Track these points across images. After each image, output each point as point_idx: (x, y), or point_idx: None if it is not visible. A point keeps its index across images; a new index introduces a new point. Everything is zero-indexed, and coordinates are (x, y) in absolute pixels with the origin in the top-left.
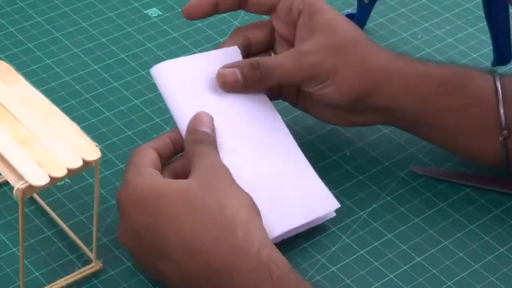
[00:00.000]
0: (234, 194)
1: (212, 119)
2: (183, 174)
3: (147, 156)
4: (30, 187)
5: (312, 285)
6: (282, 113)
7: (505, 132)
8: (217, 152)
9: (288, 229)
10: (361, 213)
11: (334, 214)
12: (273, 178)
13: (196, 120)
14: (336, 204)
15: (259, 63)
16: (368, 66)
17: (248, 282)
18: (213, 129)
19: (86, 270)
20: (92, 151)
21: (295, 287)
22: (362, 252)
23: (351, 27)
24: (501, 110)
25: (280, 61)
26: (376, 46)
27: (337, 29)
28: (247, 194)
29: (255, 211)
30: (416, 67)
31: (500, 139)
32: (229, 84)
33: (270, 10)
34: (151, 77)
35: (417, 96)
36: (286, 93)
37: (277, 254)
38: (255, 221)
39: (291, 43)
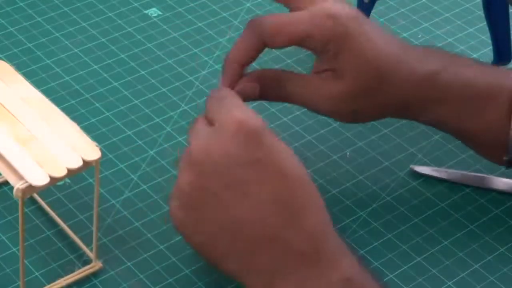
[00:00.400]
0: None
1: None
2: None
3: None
4: (30, 187)
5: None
6: (282, 113)
7: (511, 155)
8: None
9: None
10: (361, 213)
11: None
12: None
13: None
14: None
15: (281, 79)
16: (394, 97)
17: (331, 254)
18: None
19: (86, 270)
20: (92, 151)
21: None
22: (362, 252)
23: (379, 56)
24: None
25: (303, 89)
26: (405, 67)
27: (364, 69)
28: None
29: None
30: (453, 88)
31: (504, 158)
32: (248, 96)
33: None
34: (151, 77)
35: (438, 119)
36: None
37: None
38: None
39: None
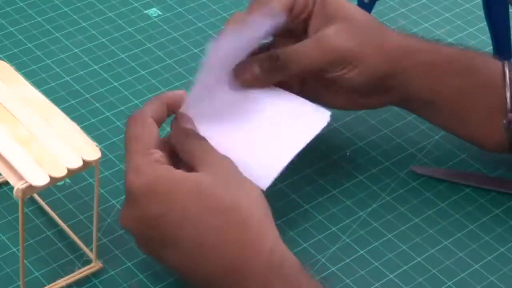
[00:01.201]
0: (247, 189)
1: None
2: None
3: (151, 132)
4: (30, 187)
5: (323, 286)
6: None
7: (510, 114)
8: (210, 144)
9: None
10: (361, 213)
11: (327, 121)
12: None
13: (183, 117)
14: (327, 114)
15: (279, 54)
16: (386, 45)
17: (259, 280)
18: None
19: (86, 270)
20: (92, 151)
21: (306, 287)
22: (362, 252)
23: (363, 12)
24: (508, 94)
25: (300, 48)
26: (388, 28)
27: (352, 14)
28: (256, 187)
29: (267, 206)
30: (429, 44)
31: (504, 122)
32: (248, 80)
33: (290, 9)
34: (151, 77)
35: (429, 72)
36: (289, 86)
37: (289, 254)
38: (268, 220)
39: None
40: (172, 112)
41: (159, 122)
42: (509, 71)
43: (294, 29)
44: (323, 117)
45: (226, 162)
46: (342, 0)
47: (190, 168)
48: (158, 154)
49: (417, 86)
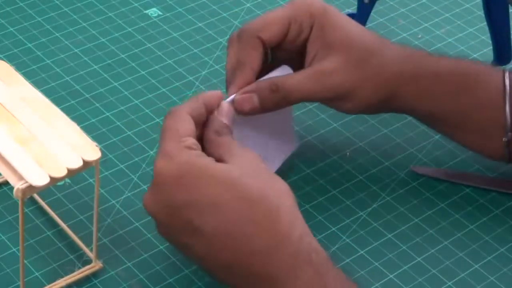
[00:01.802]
0: (276, 182)
1: (233, 111)
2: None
3: (185, 124)
4: (30, 187)
5: (349, 278)
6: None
7: (509, 134)
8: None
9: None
10: (361, 213)
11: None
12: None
13: (220, 110)
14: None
15: (279, 87)
16: (384, 74)
17: (287, 265)
18: (231, 119)
19: (86, 270)
20: (92, 151)
21: (333, 275)
22: (362, 252)
23: (363, 36)
24: (507, 110)
25: (300, 82)
26: (389, 49)
27: (352, 42)
28: (285, 183)
29: (295, 201)
30: (427, 67)
31: (503, 140)
32: (247, 111)
33: (284, 39)
34: (151, 77)
35: (427, 97)
36: None
37: (316, 243)
38: (296, 210)
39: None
40: (210, 113)
41: (197, 121)
42: (510, 85)
43: (289, 52)
44: (290, 146)
45: (254, 156)
46: (341, 25)
47: (219, 161)
48: (191, 141)
49: (415, 108)
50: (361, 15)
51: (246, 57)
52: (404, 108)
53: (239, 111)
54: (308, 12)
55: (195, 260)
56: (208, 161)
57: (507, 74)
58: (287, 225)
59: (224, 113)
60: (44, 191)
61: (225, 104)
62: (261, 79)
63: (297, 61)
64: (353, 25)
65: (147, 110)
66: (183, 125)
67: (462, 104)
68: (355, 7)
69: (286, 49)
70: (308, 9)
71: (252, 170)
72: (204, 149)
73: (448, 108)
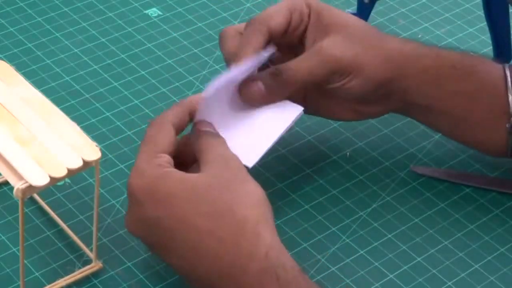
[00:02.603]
0: (246, 191)
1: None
2: (187, 162)
3: (164, 137)
4: (30, 187)
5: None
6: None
7: None
8: (226, 144)
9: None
10: (361, 213)
11: (301, 111)
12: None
13: (202, 122)
14: (300, 108)
15: (281, 70)
16: (386, 51)
17: (254, 285)
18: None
19: (86, 270)
20: (92, 151)
21: None
22: (362, 252)
23: (359, 20)
24: (510, 97)
25: (300, 62)
26: (385, 34)
27: (348, 22)
28: (260, 189)
29: (267, 209)
30: (429, 49)
31: (507, 126)
32: (254, 99)
33: (287, 28)
34: (151, 77)
35: (431, 77)
36: (293, 99)
37: (286, 257)
38: (266, 221)
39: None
40: (193, 117)
41: (180, 128)
42: (511, 74)
43: (291, 43)
44: (295, 110)
45: (232, 162)
46: (337, 10)
47: (196, 164)
48: (165, 159)
49: (417, 91)
50: (361, 15)
51: (251, 40)
52: (410, 93)
53: (247, 100)
54: (304, 1)
55: (178, 273)
56: (176, 176)
57: (506, 66)
58: (253, 241)
59: (200, 111)
60: (44, 191)
61: (194, 97)
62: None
63: (300, 53)
64: (349, 15)
65: (147, 110)
66: (162, 137)
67: (464, 88)
68: (355, 7)
69: (289, 40)
70: (305, 2)
71: (222, 180)
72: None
73: (450, 92)
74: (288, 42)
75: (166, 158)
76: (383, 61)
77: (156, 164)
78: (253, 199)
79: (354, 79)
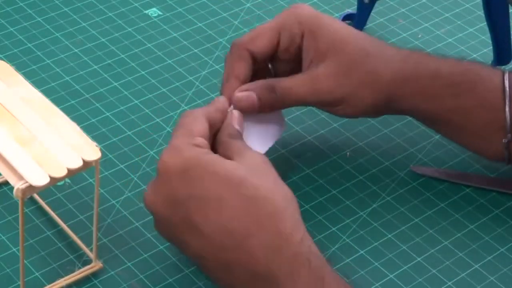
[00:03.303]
0: (282, 186)
1: (242, 118)
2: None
3: (200, 125)
4: (30, 187)
5: (347, 282)
6: (283, 113)
7: (509, 135)
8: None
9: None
10: (361, 213)
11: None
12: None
13: (233, 117)
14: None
15: (275, 87)
16: (381, 78)
17: (286, 266)
18: (242, 129)
19: (86, 270)
20: (92, 151)
21: (330, 279)
22: (362, 252)
23: (357, 39)
24: (507, 112)
25: (295, 85)
26: (386, 50)
27: (344, 46)
28: (289, 189)
29: (297, 206)
30: (427, 67)
31: (503, 141)
32: (245, 108)
33: (275, 49)
34: (151, 77)
35: (429, 97)
36: None
37: (316, 248)
38: (299, 216)
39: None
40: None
41: (212, 126)
42: (510, 86)
43: (288, 62)
44: (278, 129)
45: (263, 160)
46: (333, 28)
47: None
48: (202, 141)
49: (413, 109)
50: (361, 15)
51: (233, 69)
52: (404, 110)
53: (239, 108)
54: (296, 21)
55: (192, 258)
56: (215, 158)
57: (506, 76)
58: (290, 227)
59: (236, 120)
60: (44, 191)
61: (237, 112)
62: None
63: (298, 70)
64: (346, 29)
65: (147, 110)
66: (197, 125)
67: (462, 105)
68: (355, 7)
69: (284, 59)
70: (296, 18)
71: (260, 172)
72: (215, 151)
73: (448, 108)
74: (284, 62)
75: (204, 141)
76: (377, 89)
77: (194, 144)
78: (288, 194)
79: (346, 108)
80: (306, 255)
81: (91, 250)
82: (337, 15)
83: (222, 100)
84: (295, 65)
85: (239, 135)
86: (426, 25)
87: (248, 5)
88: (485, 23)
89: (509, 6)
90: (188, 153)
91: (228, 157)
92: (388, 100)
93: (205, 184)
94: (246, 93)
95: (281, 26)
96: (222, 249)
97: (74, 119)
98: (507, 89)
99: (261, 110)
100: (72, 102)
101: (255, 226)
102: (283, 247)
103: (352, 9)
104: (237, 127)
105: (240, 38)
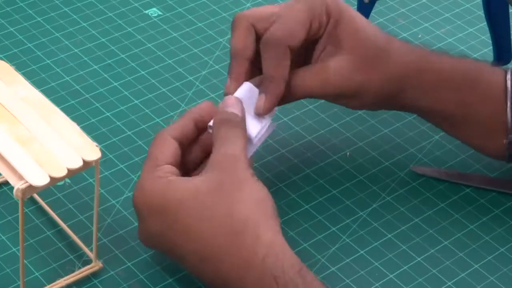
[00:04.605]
0: (248, 192)
1: (241, 102)
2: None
3: (165, 148)
4: (30, 187)
5: (323, 285)
6: (282, 113)
7: (510, 136)
8: (243, 136)
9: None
10: (361, 213)
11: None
12: None
13: (225, 102)
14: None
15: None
16: (389, 71)
17: (257, 287)
18: (242, 111)
19: (86, 270)
20: (92, 151)
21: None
22: (362, 252)
23: (374, 36)
24: (508, 112)
25: (304, 79)
26: (394, 46)
27: (361, 43)
28: (262, 188)
29: (269, 206)
30: (430, 63)
31: (504, 141)
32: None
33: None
34: (151, 77)
35: (431, 91)
36: None
37: (286, 256)
38: (266, 220)
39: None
40: (201, 126)
41: (184, 138)
42: (511, 85)
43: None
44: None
45: (235, 163)
46: (355, 25)
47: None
48: (165, 169)
49: (416, 102)
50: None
51: (278, 70)
52: (410, 105)
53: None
54: (326, 10)
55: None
56: (176, 185)
57: (509, 75)
58: (251, 246)
59: (230, 105)
60: (44, 191)
61: (232, 97)
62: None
63: (302, 56)
64: (366, 24)
65: (147, 110)
66: (162, 150)
67: (464, 100)
68: (355, 7)
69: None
70: (325, 7)
71: (224, 182)
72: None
73: (451, 104)
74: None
75: (167, 169)
76: (385, 83)
77: (156, 177)
78: (253, 199)
79: (357, 100)
80: (272, 275)
81: (91, 250)
82: None
83: (193, 110)
84: (301, 52)
85: (231, 120)
86: (426, 25)
87: (248, 5)
88: (485, 23)
89: (509, 6)
90: (150, 188)
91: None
92: (396, 93)
93: (171, 218)
94: (249, 84)
95: (312, 16)
96: (205, 273)
97: (74, 119)
98: (509, 88)
99: (271, 102)
100: (72, 102)
101: (221, 251)
102: (249, 270)
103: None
104: (231, 110)
105: (275, 31)
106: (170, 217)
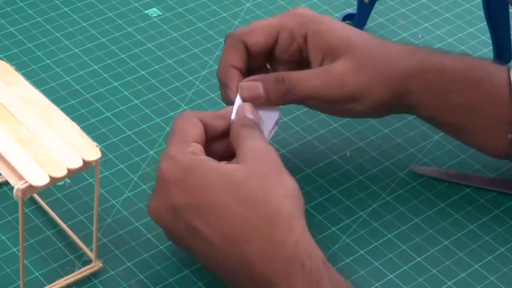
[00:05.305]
0: (281, 182)
1: (256, 110)
2: (225, 158)
3: (193, 128)
4: (30, 187)
5: (346, 279)
6: (282, 113)
7: None
8: (264, 137)
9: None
10: (361, 213)
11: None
12: None
13: (244, 108)
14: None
15: (284, 78)
16: (392, 74)
17: (281, 273)
18: (257, 118)
19: (86, 270)
20: (92, 151)
21: (326, 280)
22: (362, 252)
23: (362, 37)
24: None
25: (307, 77)
26: (391, 46)
27: (354, 44)
28: (293, 181)
29: (300, 202)
30: (433, 62)
31: (509, 136)
32: (249, 98)
33: (271, 46)
34: (151, 77)
35: (434, 92)
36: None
37: (313, 247)
38: (298, 215)
39: (297, 65)
40: (220, 127)
41: (207, 125)
42: None
43: (287, 63)
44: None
45: (268, 154)
46: (341, 29)
47: (233, 153)
48: (198, 147)
49: (419, 105)
50: (361, 15)
51: (229, 59)
52: (410, 106)
53: (244, 98)
54: (299, 22)
55: (200, 262)
56: (211, 164)
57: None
58: (284, 231)
59: (249, 111)
60: (44, 191)
61: (248, 104)
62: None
63: (304, 66)
64: (350, 28)
65: (147, 110)
66: (191, 129)
67: (467, 100)
68: (355, 7)
69: (283, 61)
70: (299, 19)
71: (258, 171)
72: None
73: (454, 104)
74: (282, 62)
75: (199, 147)
76: (388, 85)
77: (189, 152)
78: (288, 191)
79: (361, 103)
80: (300, 259)
81: (91, 250)
82: (337, 15)
83: (223, 110)
84: (293, 67)
85: (252, 124)
86: (426, 25)
87: (248, 5)
88: (485, 23)
89: (509, 6)
90: (184, 161)
91: (236, 152)
92: (399, 93)
93: (202, 193)
94: (253, 83)
95: (280, 26)
96: (224, 255)
97: (74, 119)
98: None
99: (268, 102)
100: (72, 102)
101: (251, 232)
102: (277, 253)
103: (352, 9)
104: (250, 116)
105: (235, 30)
106: (203, 192)
